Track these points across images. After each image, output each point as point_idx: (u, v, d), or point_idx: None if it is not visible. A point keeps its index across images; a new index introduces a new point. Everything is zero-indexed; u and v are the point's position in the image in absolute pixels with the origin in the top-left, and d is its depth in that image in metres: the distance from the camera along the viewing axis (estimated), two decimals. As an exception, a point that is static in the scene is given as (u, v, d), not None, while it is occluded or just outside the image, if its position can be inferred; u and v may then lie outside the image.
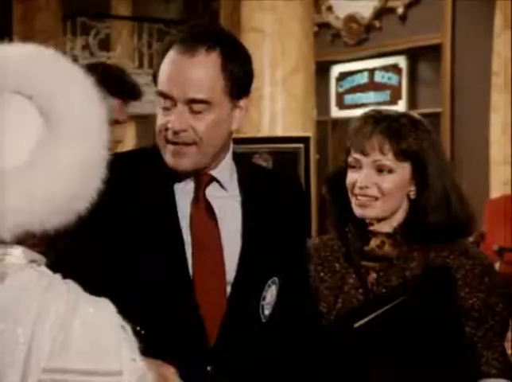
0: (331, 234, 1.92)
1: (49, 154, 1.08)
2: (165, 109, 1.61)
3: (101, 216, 1.55)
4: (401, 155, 1.79)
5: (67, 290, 1.10)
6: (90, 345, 1.07)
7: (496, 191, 8.57)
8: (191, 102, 1.59)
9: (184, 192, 1.66)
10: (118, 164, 1.67)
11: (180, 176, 1.66)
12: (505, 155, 8.57)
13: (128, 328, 1.12)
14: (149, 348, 1.48)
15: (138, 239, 1.60)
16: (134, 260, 1.59)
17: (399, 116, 1.83)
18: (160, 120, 1.62)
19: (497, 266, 7.71)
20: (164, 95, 1.61)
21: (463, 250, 1.83)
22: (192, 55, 1.59)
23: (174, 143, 1.60)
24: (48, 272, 1.14)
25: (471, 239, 7.97)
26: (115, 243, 1.59)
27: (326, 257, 1.88)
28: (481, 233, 8.35)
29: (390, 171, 1.79)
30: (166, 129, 1.60)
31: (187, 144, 1.60)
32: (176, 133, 1.59)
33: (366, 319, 1.71)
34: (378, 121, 1.80)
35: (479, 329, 1.79)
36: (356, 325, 1.72)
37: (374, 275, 1.82)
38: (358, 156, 1.81)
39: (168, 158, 1.62)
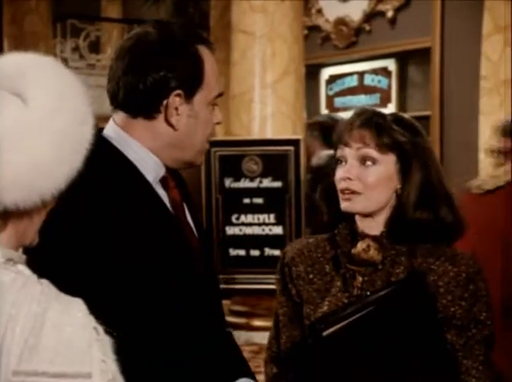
0: (326, 234, 1.91)
1: (22, 131, 1.10)
2: (215, 105, 1.74)
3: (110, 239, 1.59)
4: (384, 146, 1.78)
5: (41, 292, 1.10)
6: (59, 347, 1.07)
7: (485, 194, 8.59)
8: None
9: (154, 181, 1.72)
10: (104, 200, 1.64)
11: (146, 172, 1.70)
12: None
13: (100, 329, 1.11)
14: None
15: (149, 241, 1.63)
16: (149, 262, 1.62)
17: (384, 113, 1.84)
18: (218, 118, 1.75)
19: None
20: (220, 95, 1.74)
21: (450, 256, 1.80)
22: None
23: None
24: (25, 271, 1.14)
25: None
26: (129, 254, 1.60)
27: (317, 258, 1.87)
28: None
29: (374, 162, 1.78)
30: (215, 124, 1.75)
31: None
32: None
33: (335, 327, 1.70)
34: (361, 114, 1.82)
35: (460, 337, 1.77)
36: (325, 333, 1.71)
37: (359, 279, 1.81)
38: (342, 148, 1.81)
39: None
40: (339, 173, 1.81)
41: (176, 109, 1.65)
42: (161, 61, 1.64)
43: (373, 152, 1.77)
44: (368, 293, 1.78)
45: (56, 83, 1.16)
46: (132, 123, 1.68)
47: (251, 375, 1.80)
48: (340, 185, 1.80)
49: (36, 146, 1.10)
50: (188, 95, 1.66)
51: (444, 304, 1.77)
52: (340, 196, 1.81)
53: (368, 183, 1.78)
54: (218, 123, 1.74)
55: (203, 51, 1.69)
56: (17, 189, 1.09)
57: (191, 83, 1.66)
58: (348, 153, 1.79)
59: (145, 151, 1.68)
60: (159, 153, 1.69)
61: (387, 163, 1.79)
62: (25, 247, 1.19)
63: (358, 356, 1.71)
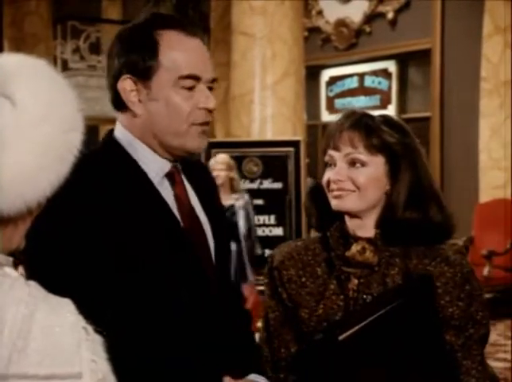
0: (316, 236, 1.91)
1: (10, 136, 1.09)
2: (189, 90, 1.65)
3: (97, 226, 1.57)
4: (373, 148, 1.78)
5: (28, 294, 1.09)
6: (48, 349, 1.06)
7: (485, 195, 8.61)
8: (212, 81, 1.68)
9: (156, 178, 1.70)
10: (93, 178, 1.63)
11: (150, 167, 1.69)
12: (494, 160, 8.61)
13: (90, 329, 1.11)
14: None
15: (142, 236, 1.62)
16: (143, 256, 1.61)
17: (373, 115, 1.84)
18: (208, 102, 1.66)
19: (486, 270, 7.76)
20: (192, 77, 1.65)
21: (444, 257, 1.81)
22: (198, 38, 1.69)
23: (204, 124, 1.67)
24: (12, 274, 1.12)
25: (460, 243, 7.97)
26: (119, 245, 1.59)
27: (308, 261, 1.86)
28: (470, 237, 8.39)
29: (363, 165, 1.78)
30: (201, 108, 1.66)
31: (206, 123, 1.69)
32: (210, 111, 1.67)
33: (350, 331, 1.71)
34: (349, 116, 1.82)
35: (458, 337, 1.78)
36: (341, 337, 1.71)
37: (355, 282, 1.80)
38: (331, 152, 1.81)
39: (198, 143, 1.68)
40: (329, 175, 1.81)
41: (139, 100, 1.64)
42: (118, 54, 1.66)
43: (362, 156, 1.78)
44: (365, 296, 1.78)
45: (47, 88, 1.14)
46: (121, 120, 1.70)
47: (263, 373, 1.81)
48: (330, 187, 1.80)
49: (22, 152, 1.09)
50: (142, 79, 1.63)
51: (443, 305, 1.77)
52: (330, 195, 1.81)
53: (359, 183, 1.78)
54: (206, 108, 1.67)
55: (162, 34, 1.65)
56: (1, 196, 1.08)
57: (141, 67, 1.63)
58: (337, 156, 1.80)
59: (146, 147, 1.68)
60: (149, 144, 1.68)
61: (376, 164, 1.79)
62: (12, 251, 1.18)
63: (366, 359, 1.71)
